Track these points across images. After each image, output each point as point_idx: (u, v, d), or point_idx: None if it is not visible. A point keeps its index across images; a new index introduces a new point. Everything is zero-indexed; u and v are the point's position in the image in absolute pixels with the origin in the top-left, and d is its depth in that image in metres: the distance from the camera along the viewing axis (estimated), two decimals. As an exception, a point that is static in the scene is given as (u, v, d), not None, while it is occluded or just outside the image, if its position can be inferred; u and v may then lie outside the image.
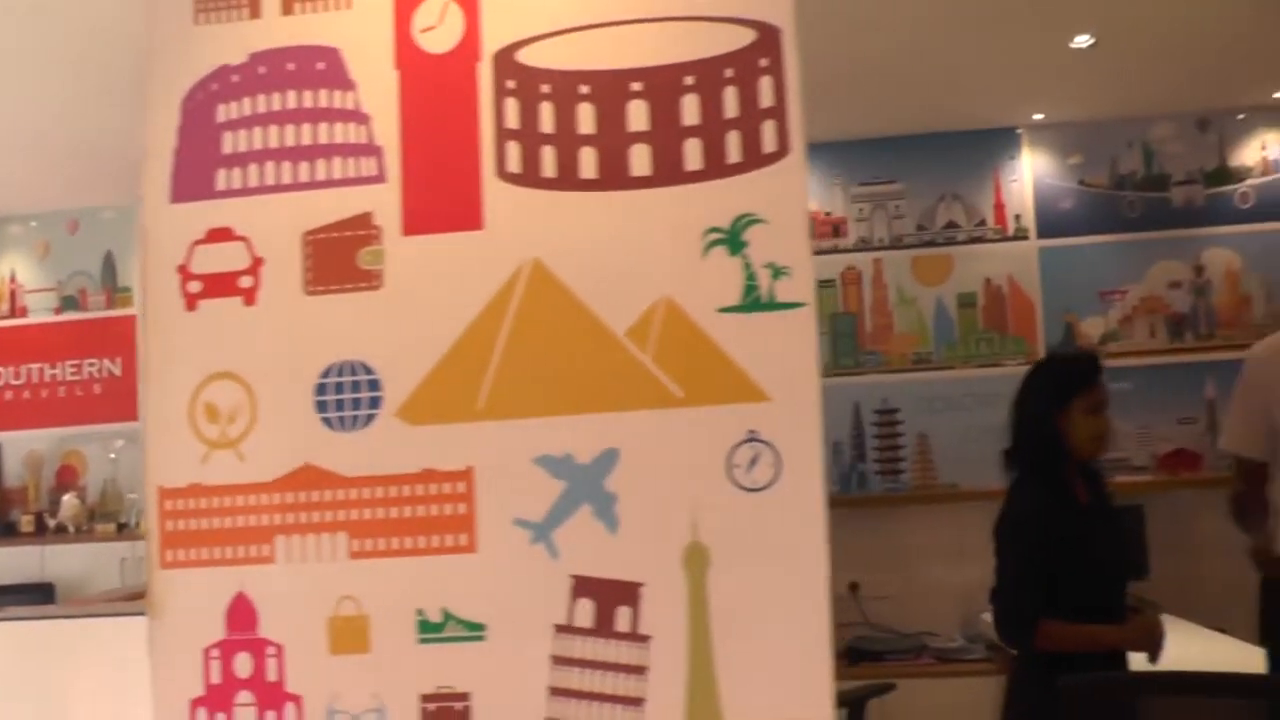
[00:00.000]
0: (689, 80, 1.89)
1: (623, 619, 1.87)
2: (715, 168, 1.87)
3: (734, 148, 1.87)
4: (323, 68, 2.09)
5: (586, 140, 1.91)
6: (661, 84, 1.90)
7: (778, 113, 1.87)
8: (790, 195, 1.84)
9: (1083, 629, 2.74)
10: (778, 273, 1.84)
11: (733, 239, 1.85)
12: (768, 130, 1.86)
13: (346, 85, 2.07)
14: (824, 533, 1.82)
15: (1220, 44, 4.58)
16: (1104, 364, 3.00)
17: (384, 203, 2.04)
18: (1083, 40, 4.36)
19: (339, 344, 2.04)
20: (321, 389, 2.04)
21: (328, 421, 2.03)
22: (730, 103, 1.88)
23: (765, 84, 1.88)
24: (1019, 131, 5.38)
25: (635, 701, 1.86)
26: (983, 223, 5.34)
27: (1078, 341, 5.25)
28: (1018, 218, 5.34)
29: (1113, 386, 5.21)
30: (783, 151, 1.86)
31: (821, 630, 1.81)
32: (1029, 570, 2.75)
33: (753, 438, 1.84)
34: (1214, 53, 4.68)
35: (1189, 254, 5.32)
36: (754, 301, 1.85)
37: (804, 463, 1.82)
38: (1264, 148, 5.39)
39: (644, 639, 1.86)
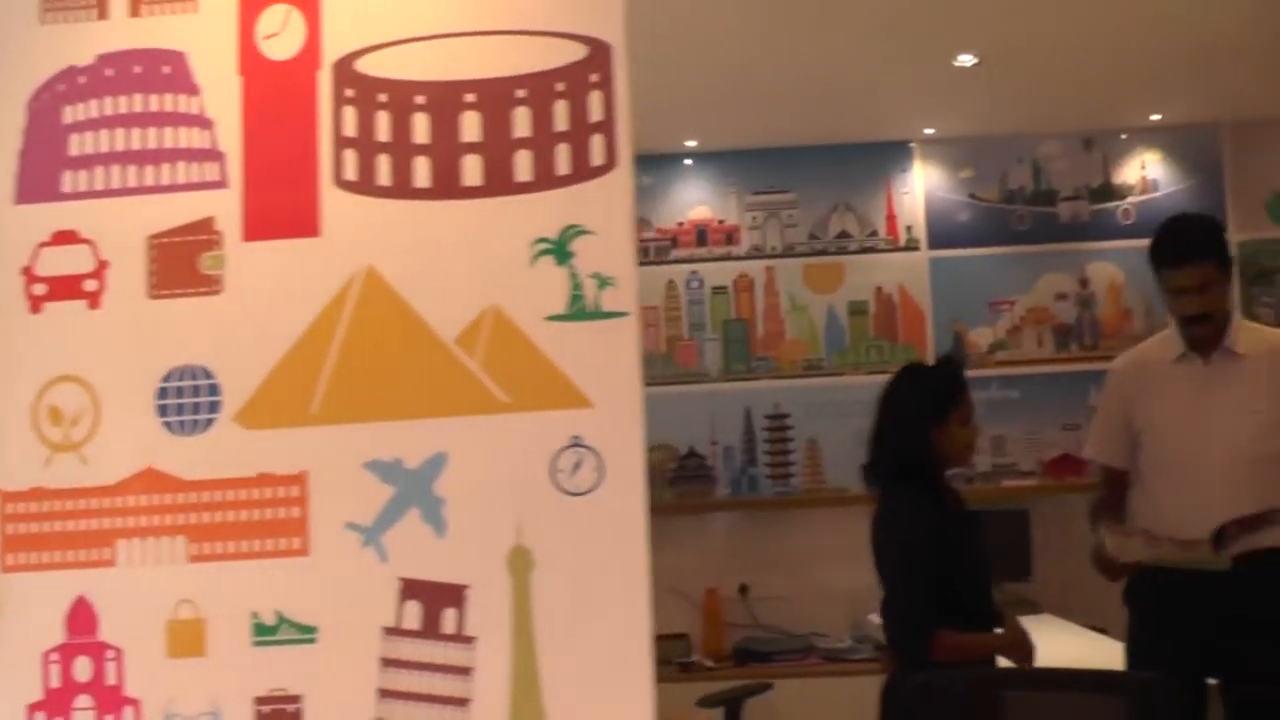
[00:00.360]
0: (521, 93, 1.92)
1: (449, 621, 1.90)
2: (545, 179, 1.91)
3: (563, 160, 1.91)
4: (168, 71, 2.09)
5: (421, 150, 1.94)
6: (494, 96, 1.94)
7: (606, 127, 1.91)
8: (617, 207, 1.89)
9: (976, 638, 2.81)
10: (603, 283, 1.88)
11: (560, 249, 1.90)
12: (596, 144, 1.91)
13: (191, 90, 2.08)
14: (645, 536, 1.86)
15: (1103, 68, 4.72)
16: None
17: (226, 208, 2.05)
18: (966, 59, 4.47)
19: (181, 348, 2.04)
20: (163, 393, 2.04)
21: (169, 425, 2.04)
22: (560, 116, 1.92)
23: (595, 99, 1.92)
24: (911, 145, 5.50)
25: (461, 702, 1.89)
26: (875, 233, 5.45)
27: (967, 350, 5.37)
28: (909, 229, 5.45)
29: (1001, 394, 5.39)
30: (610, 165, 1.90)
31: (642, 631, 1.86)
32: (922, 583, 2.78)
33: (576, 443, 1.88)
34: (1097, 76, 4.82)
35: (1075, 267, 5.47)
36: (579, 310, 1.89)
37: (626, 468, 1.86)
38: (1144, 167, 5.56)
39: (469, 640, 1.89)
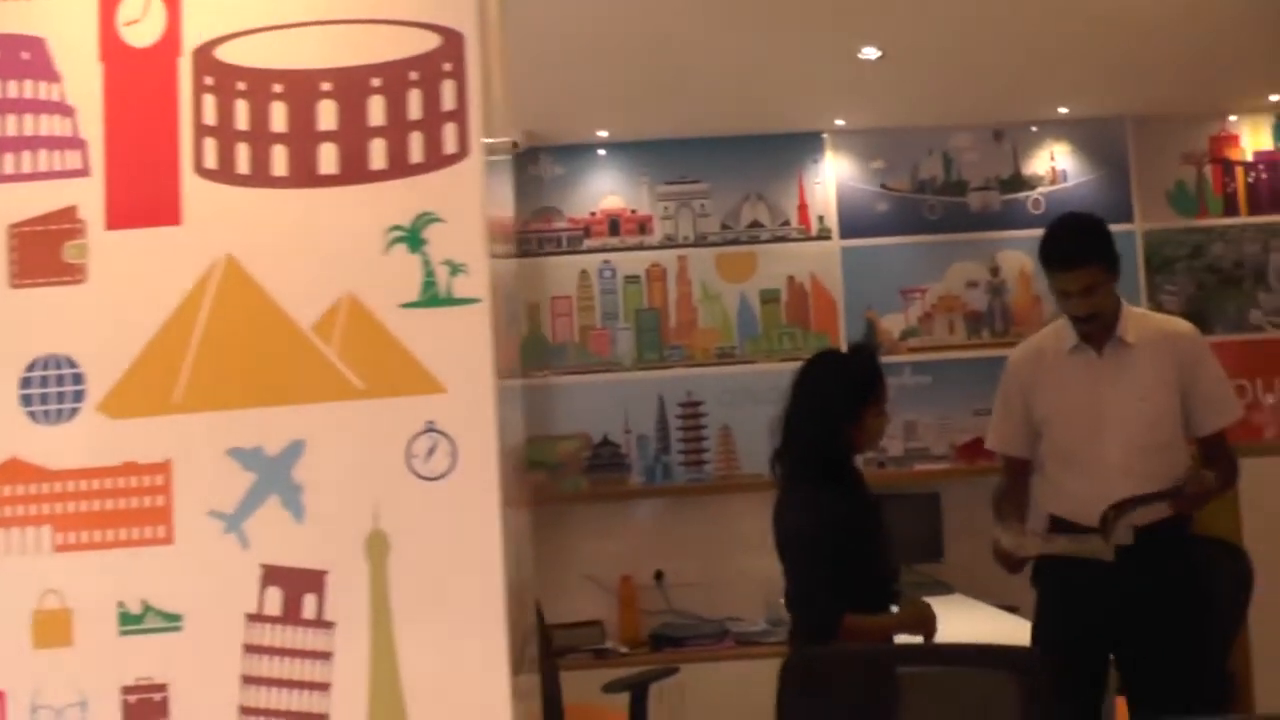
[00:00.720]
0: (376, 82, 1.93)
1: (309, 606, 1.91)
2: (398, 167, 1.92)
3: (416, 148, 1.92)
4: (28, 58, 2.07)
5: (278, 138, 1.95)
6: (349, 85, 1.94)
7: (459, 116, 1.93)
8: (468, 195, 1.91)
9: (880, 620, 2.86)
10: (455, 270, 1.90)
11: (413, 237, 1.91)
12: (449, 132, 1.92)
13: (52, 77, 2.07)
14: (499, 520, 1.88)
15: (1009, 62, 4.81)
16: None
17: (88, 196, 2.03)
18: (870, 53, 4.53)
19: (44, 337, 2.03)
20: (27, 382, 2.03)
21: (33, 415, 2.03)
22: (414, 105, 1.93)
23: (448, 88, 1.93)
24: (823, 136, 5.56)
25: (322, 687, 1.90)
26: (787, 222, 5.52)
27: (879, 337, 5.45)
28: (821, 218, 5.52)
29: (913, 380, 5.46)
30: (463, 153, 1.92)
31: (497, 614, 1.88)
32: (831, 570, 2.81)
33: (430, 429, 1.89)
34: (1004, 70, 4.91)
35: (985, 256, 5.56)
36: (432, 297, 1.90)
37: (480, 453, 1.88)
38: (1053, 158, 5.67)
39: (329, 625, 1.90)
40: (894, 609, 3.01)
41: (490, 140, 2.01)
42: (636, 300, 5.46)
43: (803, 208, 5.53)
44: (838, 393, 2.94)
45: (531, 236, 5.47)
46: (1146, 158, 5.70)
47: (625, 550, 5.30)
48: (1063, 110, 5.55)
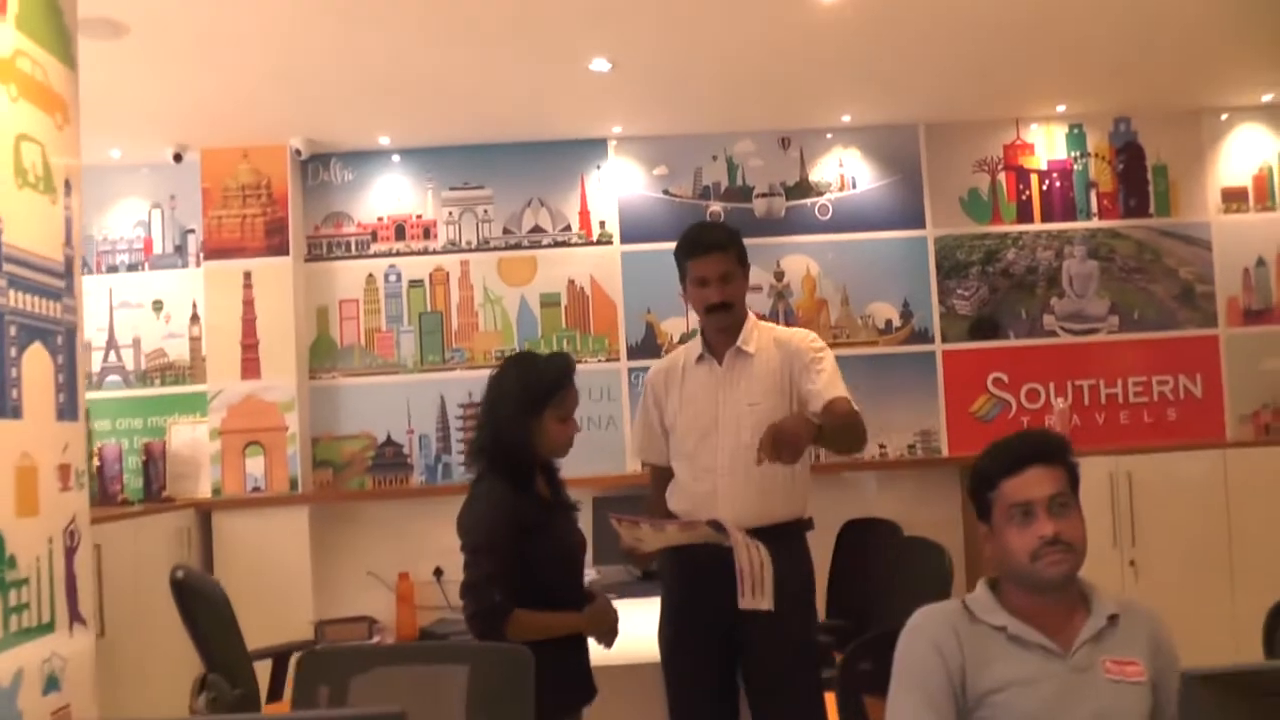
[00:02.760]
0: None
1: None
2: None
3: None
4: None
5: None
6: None
7: None
8: None
9: (550, 617, 2.88)
10: None
11: None
12: None
13: None
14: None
15: (788, 71, 4.90)
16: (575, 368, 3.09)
17: None
18: (600, 65, 4.62)
19: None
20: None
21: None
22: None
23: None
24: (608, 143, 5.67)
25: None
26: (568, 228, 5.63)
27: (659, 341, 5.55)
28: (603, 223, 5.63)
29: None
30: None
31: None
32: (498, 564, 2.83)
33: None
34: (788, 78, 4.99)
35: (769, 260, 5.64)
36: None
37: None
38: (842, 165, 5.74)
39: None
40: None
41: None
42: (420, 304, 5.59)
43: (584, 213, 5.63)
44: (519, 392, 2.96)
45: (322, 241, 5.62)
46: (939, 164, 5.75)
47: (406, 548, 5.40)
48: (845, 119, 5.61)
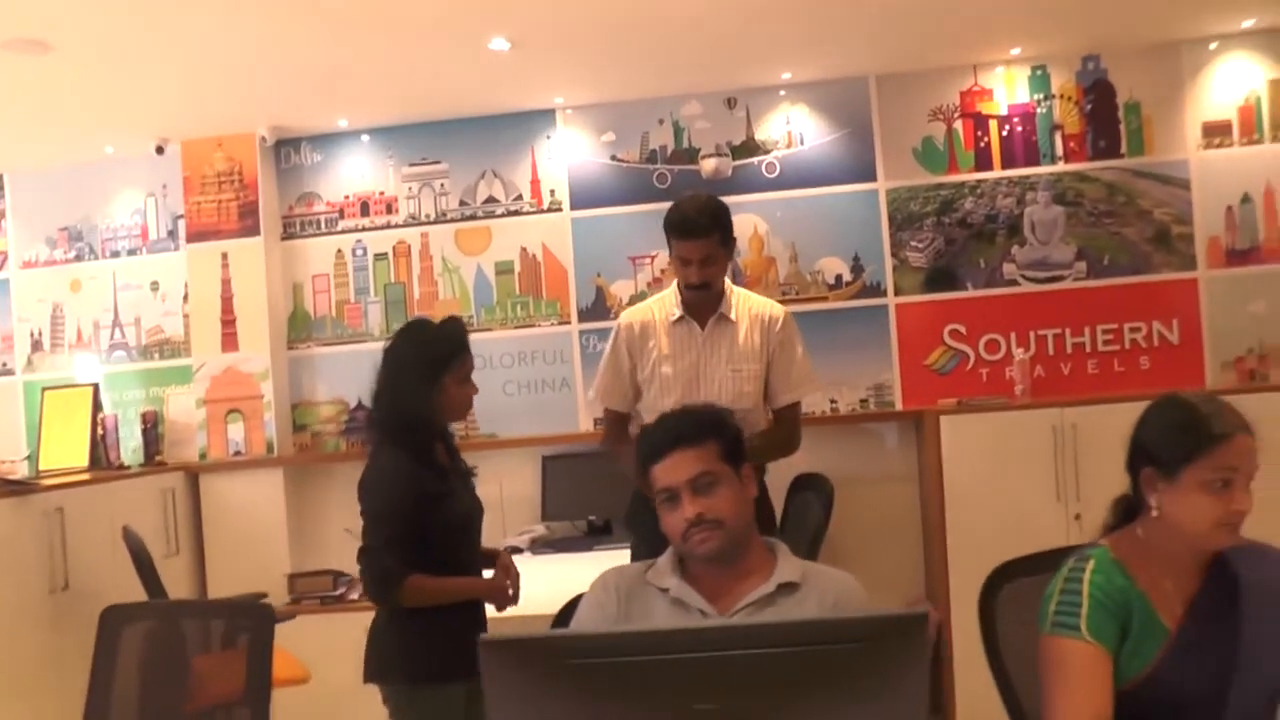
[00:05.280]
0: None
1: None
2: None
3: None
4: None
5: None
6: None
7: None
8: None
9: (446, 582, 2.96)
10: None
11: None
12: None
13: None
14: None
15: (734, 29, 4.92)
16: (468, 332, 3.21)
17: None
18: (499, 44, 4.79)
19: None
20: None
21: None
22: None
23: None
24: (555, 113, 5.84)
25: None
26: (520, 197, 5.84)
27: (608, 303, 5.71)
28: (552, 192, 5.82)
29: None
30: None
31: None
32: (396, 530, 2.90)
33: None
34: (731, 37, 5.02)
35: (719, 220, 5.70)
36: None
37: None
38: (789, 122, 5.75)
39: None
40: (487, 575, 3.16)
41: None
42: (385, 276, 5.90)
43: (535, 182, 5.81)
44: (416, 359, 3.04)
45: (295, 220, 5.98)
46: (892, 116, 5.69)
47: (378, 505, 5.74)
48: (786, 75, 5.61)
